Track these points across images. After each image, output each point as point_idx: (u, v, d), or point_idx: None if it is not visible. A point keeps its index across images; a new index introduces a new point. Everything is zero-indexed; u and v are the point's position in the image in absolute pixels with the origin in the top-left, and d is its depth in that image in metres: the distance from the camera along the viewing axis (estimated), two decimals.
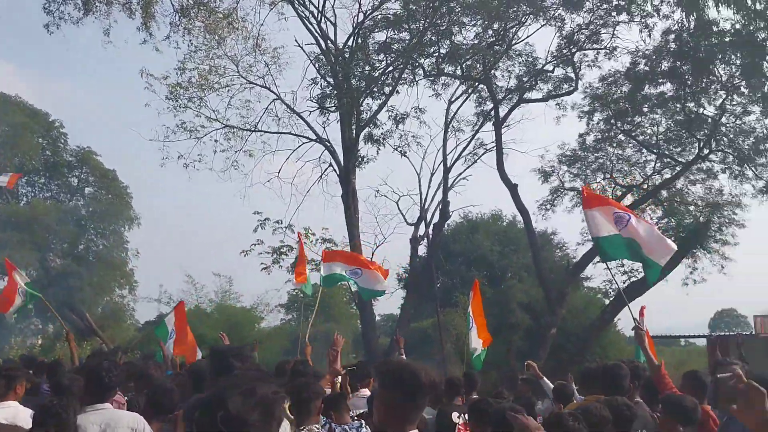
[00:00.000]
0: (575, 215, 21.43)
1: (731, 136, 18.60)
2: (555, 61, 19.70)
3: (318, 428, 3.74)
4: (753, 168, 18.52)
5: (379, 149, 19.16)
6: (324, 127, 19.28)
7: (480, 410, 3.03)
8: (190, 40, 16.90)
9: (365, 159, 19.14)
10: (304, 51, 19.07)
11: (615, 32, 18.67)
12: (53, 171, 28.47)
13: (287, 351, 21.82)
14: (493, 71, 19.71)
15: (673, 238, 19.90)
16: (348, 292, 22.04)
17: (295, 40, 20.21)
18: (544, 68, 19.82)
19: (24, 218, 24.92)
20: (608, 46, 18.87)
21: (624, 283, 19.32)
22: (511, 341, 21.98)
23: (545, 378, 6.67)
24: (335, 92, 18.49)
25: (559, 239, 27.55)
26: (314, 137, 19.17)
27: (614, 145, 19.90)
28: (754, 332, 21.39)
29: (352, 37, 18.92)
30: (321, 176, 19.48)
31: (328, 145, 19.10)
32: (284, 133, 19.30)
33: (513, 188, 19.71)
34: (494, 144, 20.31)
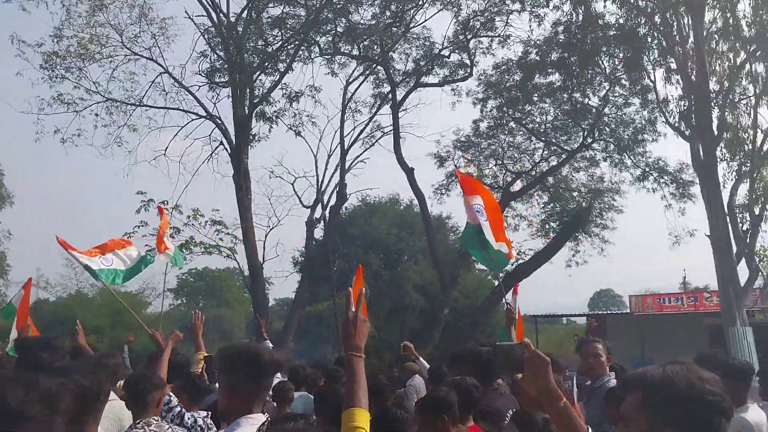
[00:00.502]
0: None
1: (612, 126, 19.62)
2: (451, 47, 19.93)
3: (156, 420, 3.41)
4: (631, 157, 19.65)
5: (272, 127, 18.65)
6: (214, 104, 18.53)
7: (320, 397, 2.85)
8: (63, 2, 15.58)
9: (257, 137, 18.57)
10: (194, 22, 18.16)
11: (508, 21, 19.14)
12: None
13: None
14: (390, 53, 19.67)
15: (557, 222, 20.96)
16: (240, 276, 21.41)
17: (185, 12, 19.18)
18: (441, 53, 20.00)
19: None
20: (502, 34, 19.34)
21: (512, 265, 19.97)
22: (405, 321, 22.32)
23: (421, 358, 6.79)
24: (226, 67, 17.75)
25: (454, 223, 28.31)
26: (204, 114, 18.40)
27: (506, 132, 20.47)
28: (629, 311, 22.92)
29: (245, 10, 18.21)
30: (211, 155, 18.77)
31: (219, 122, 18.37)
32: (172, 108, 18.42)
33: (410, 172, 19.85)
34: (392, 127, 20.37)
